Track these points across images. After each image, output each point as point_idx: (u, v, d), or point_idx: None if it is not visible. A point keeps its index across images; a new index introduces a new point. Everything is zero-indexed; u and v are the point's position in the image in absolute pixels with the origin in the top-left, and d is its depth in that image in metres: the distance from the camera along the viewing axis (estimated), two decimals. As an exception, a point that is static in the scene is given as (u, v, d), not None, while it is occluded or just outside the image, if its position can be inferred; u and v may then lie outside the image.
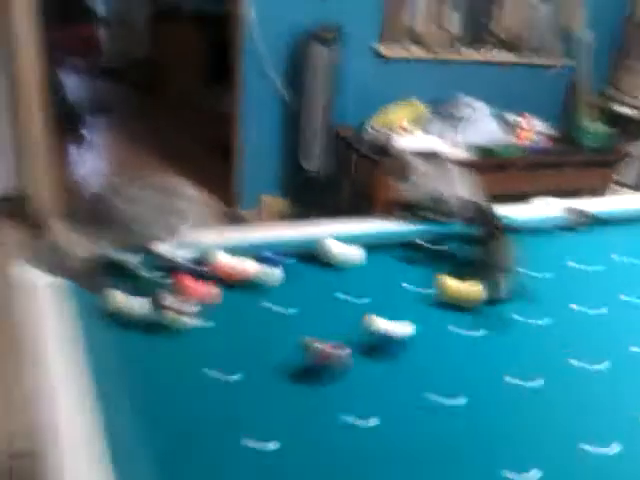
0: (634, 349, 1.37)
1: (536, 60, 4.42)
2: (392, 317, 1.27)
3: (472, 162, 3.72)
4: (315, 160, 3.67)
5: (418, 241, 1.67)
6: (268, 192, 3.99)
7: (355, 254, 1.56)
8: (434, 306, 1.44)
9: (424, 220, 1.74)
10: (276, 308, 1.36)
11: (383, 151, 3.50)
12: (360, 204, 3.88)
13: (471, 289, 1.44)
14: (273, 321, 1.33)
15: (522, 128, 4.00)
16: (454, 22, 4.04)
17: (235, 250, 1.45)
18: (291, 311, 1.35)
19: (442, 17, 4.00)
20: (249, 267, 1.41)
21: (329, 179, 3.81)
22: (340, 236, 1.60)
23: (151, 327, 1.22)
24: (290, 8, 3.53)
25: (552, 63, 4.50)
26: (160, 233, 1.38)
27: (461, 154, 3.72)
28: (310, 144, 3.65)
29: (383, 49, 3.84)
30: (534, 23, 4.33)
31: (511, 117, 4.08)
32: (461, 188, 1.78)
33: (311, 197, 3.88)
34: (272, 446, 1.00)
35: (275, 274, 1.41)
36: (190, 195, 1.45)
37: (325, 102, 3.52)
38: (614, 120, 4.49)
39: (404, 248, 1.65)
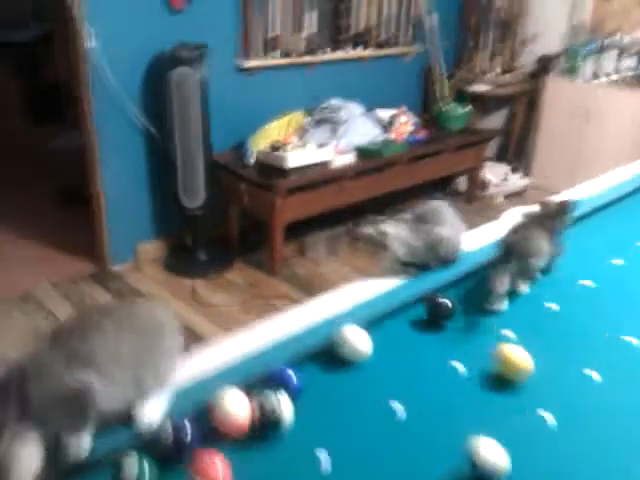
0: None
1: (392, 51, 4.34)
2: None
3: (357, 166, 3.53)
4: (197, 195, 3.24)
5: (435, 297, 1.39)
6: (144, 239, 3.48)
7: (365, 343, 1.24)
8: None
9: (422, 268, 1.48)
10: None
11: (276, 174, 3.18)
12: (254, 236, 3.53)
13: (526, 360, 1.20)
14: None
15: (398, 122, 3.89)
16: (312, 25, 3.79)
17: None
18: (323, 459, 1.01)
19: (300, 21, 3.73)
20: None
21: (214, 214, 3.40)
22: (339, 316, 1.28)
23: None
24: (138, 27, 3.04)
25: (406, 51, 4.45)
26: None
27: (348, 159, 3.51)
28: (188, 179, 3.21)
29: (245, 62, 3.50)
30: (384, 16, 4.23)
31: (385, 113, 3.95)
32: (452, 225, 1.54)
33: (196, 235, 3.44)
34: None
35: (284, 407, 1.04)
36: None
37: (198, 129, 3.10)
38: (472, 99, 4.56)
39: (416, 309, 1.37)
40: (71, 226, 3.76)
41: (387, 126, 3.91)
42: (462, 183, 4.71)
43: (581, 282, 1.56)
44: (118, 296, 3.13)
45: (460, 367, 1.24)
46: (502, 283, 1.40)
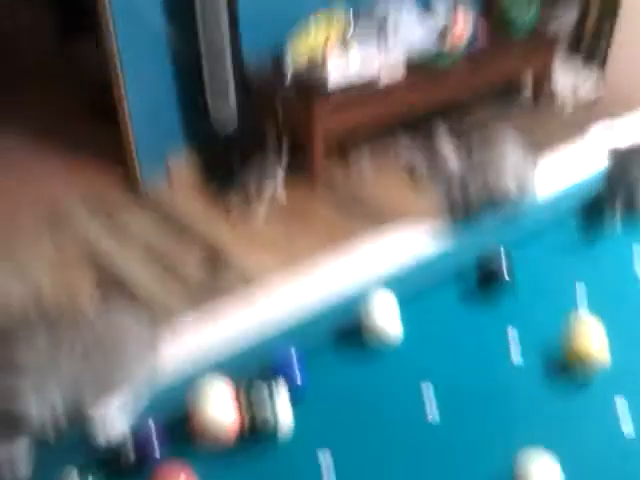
0: None
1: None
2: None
3: (407, 80, 3.15)
4: (227, 110, 2.96)
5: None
6: (175, 151, 3.25)
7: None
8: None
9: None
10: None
11: (316, 86, 2.85)
12: (293, 155, 3.24)
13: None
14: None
15: (456, 27, 3.41)
16: None
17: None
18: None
19: None
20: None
21: (248, 130, 3.12)
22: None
23: None
24: None
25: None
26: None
27: (398, 71, 3.12)
28: (219, 91, 2.92)
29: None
30: None
31: (440, 16, 3.47)
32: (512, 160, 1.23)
33: (229, 154, 3.18)
34: None
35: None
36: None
37: (227, 35, 2.77)
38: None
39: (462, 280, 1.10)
40: (105, 142, 3.56)
41: (443, 31, 3.44)
42: (527, 92, 4.22)
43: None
44: (150, 215, 2.96)
45: (515, 354, 0.98)
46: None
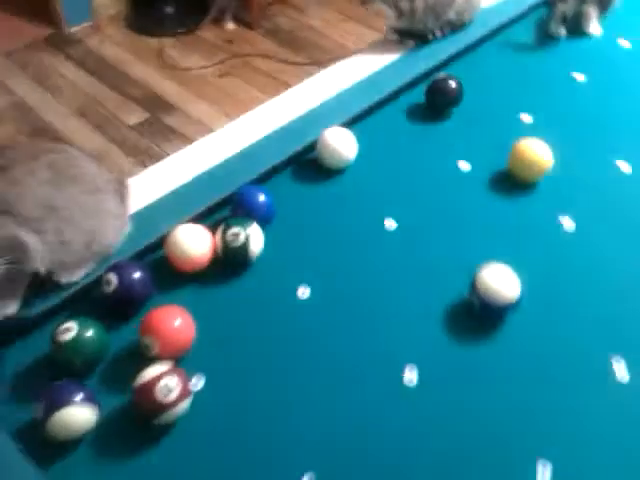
0: None
1: None
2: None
3: None
4: None
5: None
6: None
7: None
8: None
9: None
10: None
11: None
12: None
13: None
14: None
15: None
16: None
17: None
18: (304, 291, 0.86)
19: None
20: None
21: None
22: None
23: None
24: None
25: None
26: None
27: None
28: None
29: None
30: None
31: None
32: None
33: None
34: None
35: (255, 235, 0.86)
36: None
37: None
38: None
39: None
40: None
41: None
42: None
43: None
44: (79, 63, 2.78)
45: (465, 165, 1.03)
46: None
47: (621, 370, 0.76)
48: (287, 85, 2.57)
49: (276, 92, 1.15)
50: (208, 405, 0.73)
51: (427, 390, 0.75)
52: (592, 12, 1.25)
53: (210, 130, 0.93)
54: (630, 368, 0.76)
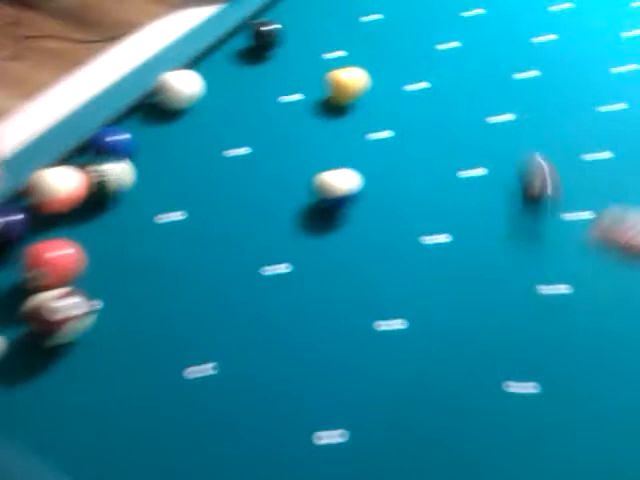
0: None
1: None
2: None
3: None
4: None
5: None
6: None
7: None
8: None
9: None
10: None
11: None
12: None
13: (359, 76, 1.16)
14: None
15: None
16: None
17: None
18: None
19: None
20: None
21: None
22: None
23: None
24: None
25: None
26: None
27: None
28: None
29: None
30: None
31: None
32: None
33: None
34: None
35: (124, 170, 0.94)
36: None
37: None
38: None
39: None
40: None
41: None
42: None
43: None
44: None
45: (293, 97, 1.18)
46: None
47: (441, 238, 0.97)
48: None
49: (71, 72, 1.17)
50: (107, 327, 0.80)
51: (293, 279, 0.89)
52: None
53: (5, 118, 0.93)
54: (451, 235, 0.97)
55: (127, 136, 0.98)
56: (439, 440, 0.75)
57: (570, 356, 0.84)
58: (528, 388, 0.80)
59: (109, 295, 0.83)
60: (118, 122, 1.03)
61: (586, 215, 0.98)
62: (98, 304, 0.81)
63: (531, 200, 1.00)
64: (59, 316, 0.74)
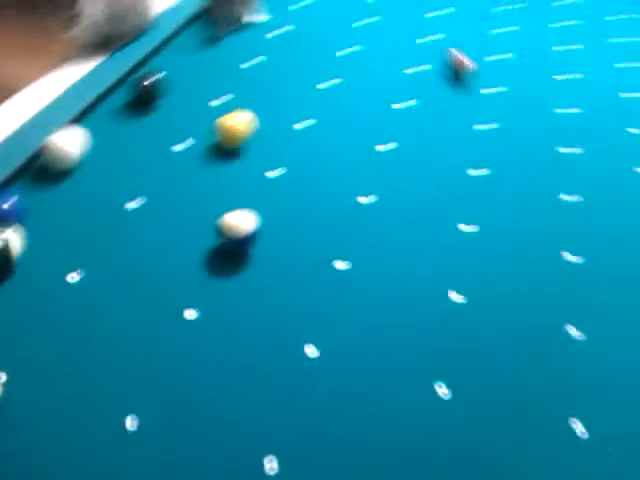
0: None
1: None
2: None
3: None
4: None
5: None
6: None
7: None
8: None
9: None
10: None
11: None
12: None
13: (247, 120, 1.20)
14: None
15: None
16: None
17: None
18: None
19: None
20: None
21: None
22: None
23: None
24: None
25: None
26: None
27: None
28: None
29: None
30: None
31: None
32: None
33: None
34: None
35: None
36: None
37: None
38: None
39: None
40: None
41: None
42: None
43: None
44: None
45: (182, 146, 1.19)
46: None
47: (342, 265, 1.01)
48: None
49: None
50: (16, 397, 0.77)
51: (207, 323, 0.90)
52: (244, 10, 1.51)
53: None
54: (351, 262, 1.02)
55: (14, 200, 0.95)
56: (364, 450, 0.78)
57: (481, 357, 0.91)
58: (443, 394, 0.85)
59: (16, 363, 0.79)
60: (4, 187, 0.99)
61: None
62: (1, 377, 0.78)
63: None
64: None
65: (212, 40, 1.47)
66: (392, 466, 0.78)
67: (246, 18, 1.53)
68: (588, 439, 0.83)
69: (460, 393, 0.86)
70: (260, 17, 1.54)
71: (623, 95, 1.56)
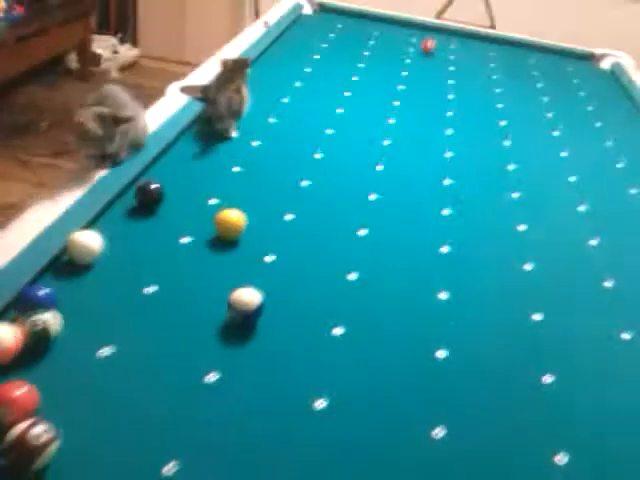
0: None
1: None
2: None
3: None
4: None
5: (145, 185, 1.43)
6: None
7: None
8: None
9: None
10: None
11: None
12: None
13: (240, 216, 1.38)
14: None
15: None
16: None
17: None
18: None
19: None
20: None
21: None
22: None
23: None
24: None
25: None
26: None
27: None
28: None
29: None
30: None
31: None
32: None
33: None
34: None
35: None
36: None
37: None
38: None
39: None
40: None
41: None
42: (73, 61, 4.43)
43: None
44: None
45: (187, 239, 1.35)
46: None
47: (338, 331, 1.16)
48: None
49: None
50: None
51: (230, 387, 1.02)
52: (229, 124, 1.74)
53: None
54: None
55: (49, 290, 1.08)
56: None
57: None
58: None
59: (66, 423, 0.89)
60: (37, 280, 1.13)
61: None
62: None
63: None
64: (43, 439, 0.81)
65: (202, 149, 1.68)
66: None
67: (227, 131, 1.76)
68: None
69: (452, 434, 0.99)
70: (233, 133, 1.76)
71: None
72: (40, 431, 0.83)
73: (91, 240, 1.22)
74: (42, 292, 1.07)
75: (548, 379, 1.14)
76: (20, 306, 1.04)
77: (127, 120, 1.47)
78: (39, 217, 1.27)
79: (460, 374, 1.13)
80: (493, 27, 3.88)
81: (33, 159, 3.43)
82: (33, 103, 3.96)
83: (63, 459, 0.85)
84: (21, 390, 0.88)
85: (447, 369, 1.13)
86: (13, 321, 1.01)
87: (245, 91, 1.78)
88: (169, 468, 0.88)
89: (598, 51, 2.97)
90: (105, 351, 1.04)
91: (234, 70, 1.78)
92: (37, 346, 1.01)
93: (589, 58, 2.96)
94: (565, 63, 2.88)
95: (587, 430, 1.07)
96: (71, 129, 1.45)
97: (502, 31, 3.21)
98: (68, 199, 1.34)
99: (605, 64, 2.91)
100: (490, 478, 0.97)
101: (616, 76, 2.75)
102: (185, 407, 0.98)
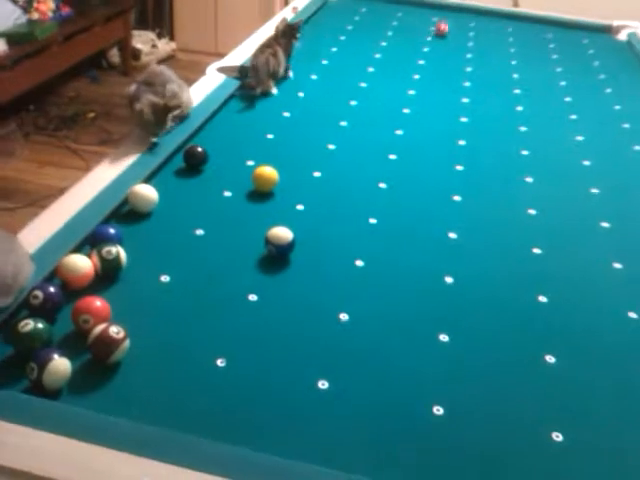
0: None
1: None
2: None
3: (11, 54, 3.32)
4: None
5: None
6: None
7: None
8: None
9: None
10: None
11: None
12: None
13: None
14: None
15: (39, 1, 3.66)
16: None
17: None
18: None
19: None
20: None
21: None
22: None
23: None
24: None
25: None
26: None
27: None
28: None
29: None
30: None
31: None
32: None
33: None
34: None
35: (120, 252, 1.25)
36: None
37: None
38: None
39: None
40: None
41: (26, 5, 3.65)
42: (115, 56, 4.70)
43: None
44: None
45: (229, 193, 1.55)
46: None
47: (359, 263, 1.35)
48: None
49: None
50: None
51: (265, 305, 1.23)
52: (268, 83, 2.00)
53: None
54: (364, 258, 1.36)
55: (117, 229, 1.30)
56: None
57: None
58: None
59: (132, 331, 1.10)
60: (107, 221, 1.35)
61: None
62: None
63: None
64: (120, 334, 1.03)
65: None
66: None
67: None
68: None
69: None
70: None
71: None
72: (117, 329, 1.04)
73: (149, 192, 1.44)
74: (112, 230, 1.29)
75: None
76: (94, 241, 1.26)
77: (175, 108, 1.70)
78: (106, 175, 1.49)
79: (465, 296, 1.30)
80: (517, 6, 4.00)
81: (82, 147, 3.70)
82: (79, 96, 4.24)
83: (131, 356, 1.07)
84: (99, 302, 1.10)
85: (453, 291, 1.31)
86: (88, 256, 1.23)
87: (281, 55, 2.07)
88: (221, 361, 1.08)
89: (616, 23, 3.07)
90: (164, 278, 1.25)
91: (286, 32, 2.09)
92: (110, 272, 1.23)
93: (607, 30, 3.06)
94: (582, 36, 2.99)
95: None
96: (127, 117, 1.67)
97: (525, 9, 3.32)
98: (128, 160, 1.57)
99: (622, 35, 3.01)
100: (491, 371, 1.14)
101: (631, 45, 2.86)
102: (231, 318, 1.18)
